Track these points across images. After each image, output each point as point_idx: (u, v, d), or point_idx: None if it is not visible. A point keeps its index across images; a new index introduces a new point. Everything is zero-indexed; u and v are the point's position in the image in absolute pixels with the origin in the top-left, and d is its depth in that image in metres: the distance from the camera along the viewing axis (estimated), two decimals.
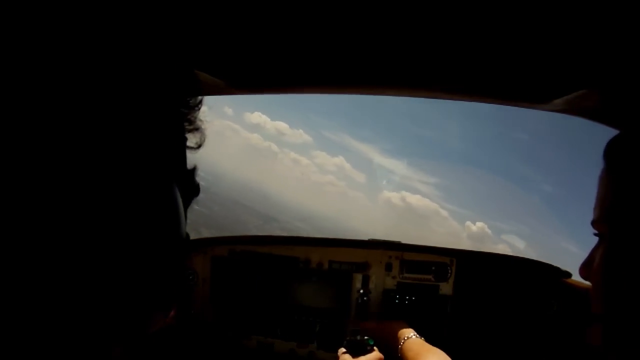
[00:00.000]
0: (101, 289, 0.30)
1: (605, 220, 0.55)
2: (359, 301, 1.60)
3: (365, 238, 1.65)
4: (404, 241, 1.63)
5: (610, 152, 0.56)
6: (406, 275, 1.59)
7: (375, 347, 1.21)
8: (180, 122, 0.38)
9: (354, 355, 1.19)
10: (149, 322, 0.36)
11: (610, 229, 0.54)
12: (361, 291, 1.59)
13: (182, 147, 0.39)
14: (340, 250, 1.61)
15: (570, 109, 0.88)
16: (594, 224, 0.57)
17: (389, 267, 1.59)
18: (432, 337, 1.59)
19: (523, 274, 1.56)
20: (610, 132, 0.80)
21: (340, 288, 1.60)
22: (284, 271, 1.61)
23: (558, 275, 1.54)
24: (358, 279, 1.60)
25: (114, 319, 0.31)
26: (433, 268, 1.58)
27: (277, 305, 1.62)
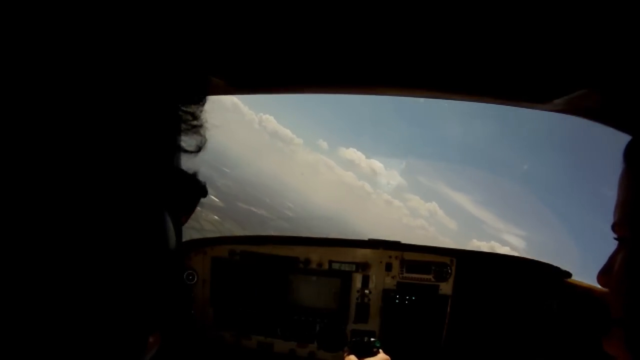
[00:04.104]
0: (86, 316, 0.28)
1: (627, 222, 0.52)
2: (359, 301, 1.60)
3: None
4: None
5: (631, 152, 0.54)
6: (406, 275, 1.59)
7: (381, 349, 1.21)
8: (177, 128, 0.36)
9: (359, 356, 1.18)
10: (144, 346, 0.34)
11: (632, 232, 0.51)
12: (363, 291, 1.60)
13: (174, 156, 0.37)
14: (340, 250, 1.61)
15: (571, 109, 0.88)
16: (614, 227, 0.54)
17: (389, 267, 1.60)
18: (431, 337, 1.59)
19: (523, 274, 1.56)
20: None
21: (340, 288, 1.60)
22: (284, 271, 1.61)
23: (558, 275, 1.54)
24: (358, 279, 1.60)
25: (105, 347, 0.29)
26: (433, 268, 1.59)
27: (277, 306, 1.62)
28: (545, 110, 0.93)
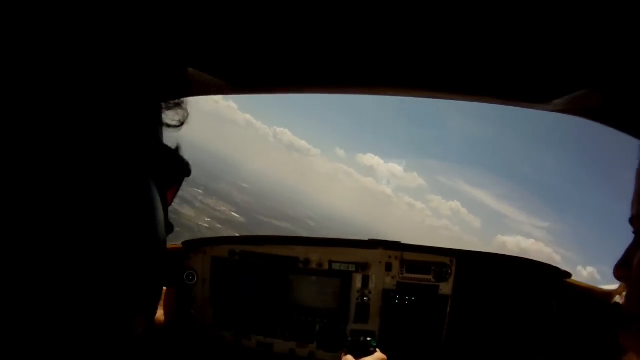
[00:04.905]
0: (74, 293, 0.28)
1: None
2: (359, 301, 1.60)
3: None
4: None
5: None
6: (406, 275, 1.59)
7: (378, 349, 1.22)
8: (158, 107, 0.36)
9: (356, 356, 1.19)
10: (131, 324, 0.34)
11: None
12: (363, 291, 1.60)
13: (158, 133, 0.37)
14: (340, 250, 1.61)
15: (571, 109, 0.88)
16: (632, 220, 0.53)
17: (389, 267, 1.59)
18: (431, 337, 1.59)
19: (523, 274, 1.56)
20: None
21: (340, 288, 1.60)
22: (284, 271, 1.61)
23: (558, 275, 1.54)
24: (358, 279, 1.60)
25: (93, 322, 0.30)
26: (433, 268, 1.59)
27: (277, 305, 1.62)
28: (546, 110, 0.93)
